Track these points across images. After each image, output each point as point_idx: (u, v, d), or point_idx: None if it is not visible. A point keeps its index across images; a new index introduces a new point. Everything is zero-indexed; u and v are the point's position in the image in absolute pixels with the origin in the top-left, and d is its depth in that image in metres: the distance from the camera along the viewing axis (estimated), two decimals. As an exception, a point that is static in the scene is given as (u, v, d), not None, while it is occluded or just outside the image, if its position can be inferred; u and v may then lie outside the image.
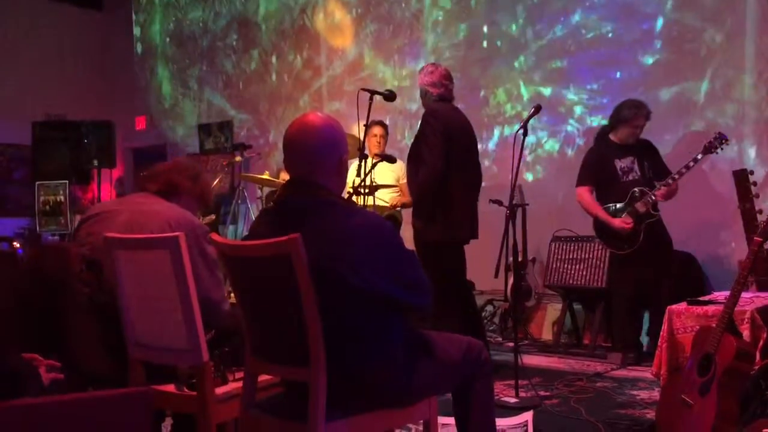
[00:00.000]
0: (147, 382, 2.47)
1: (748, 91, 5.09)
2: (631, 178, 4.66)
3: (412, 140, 4.40)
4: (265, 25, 8.06)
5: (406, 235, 6.09)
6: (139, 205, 2.69)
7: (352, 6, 7.32)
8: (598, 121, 5.75)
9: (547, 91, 6.03)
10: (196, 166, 2.98)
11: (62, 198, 7.27)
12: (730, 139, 5.04)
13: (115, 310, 2.50)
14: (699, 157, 4.37)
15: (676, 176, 4.46)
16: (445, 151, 4.13)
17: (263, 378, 2.35)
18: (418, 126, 4.37)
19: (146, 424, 1.74)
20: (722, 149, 4.38)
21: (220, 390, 2.39)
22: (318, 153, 2.11)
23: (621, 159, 4.68)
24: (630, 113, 4.62)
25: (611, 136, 4.74)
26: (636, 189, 4.56)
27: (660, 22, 5.45)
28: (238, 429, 2.31)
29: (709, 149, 4.35)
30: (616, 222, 4.61)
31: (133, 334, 2.49)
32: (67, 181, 7.43)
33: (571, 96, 5.93)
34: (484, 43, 6.40)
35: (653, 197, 4.49)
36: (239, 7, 8.30)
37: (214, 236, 2.24)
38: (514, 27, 6.22)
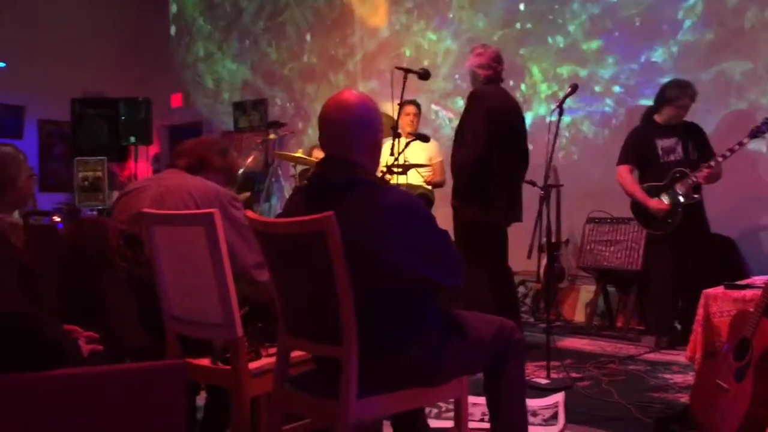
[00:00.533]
0: (183, 355, 2.51)
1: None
2: (672, 158, 4.58)
3: (459, 123, 4.40)
4: (300, 3, 8.04)
5: (438, 214, 6.08)
6: (166, 180, 2.78)
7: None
8: (635, 101, 5.65)
9: (584, 71, 5.94)
10: (223, 141, 3.08)
11: (100, 174, 7.39)
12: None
13: (152, 284, 2.55)
14: (745, 141, 4.27)
15: (720, 159, 4.37)
16: (487, 134, 4.12)
17: (296, 354, 2.38)
18: (464, 109, 4.38)
19: (181, 395, 1.78)
20: None
21: (253, 365, 2.42)
22: (353, 131, 2.12)
23: (663, 139, 4.61)
24: (675, 93, 4.54)
25: (656, 117, 4.66)
26: (677, 170, 4.49)
27: (702, 0, 5.31)
28: (271, 403, 2.35)
29: (755, 133, 4.25)
30: (652, 202, 4.55)
31: (170, 308, 2.54)
32: (105, 158, 7.55)
33: (608, 75, 5.82)
34: (520, 22, 6.31)
35: (694, 179, 4.41)
36: (274, -15, 8.29)
37: (249, 213, 2.26)
38: (551, 5, 6.12)
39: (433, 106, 6.84)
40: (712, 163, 4.39)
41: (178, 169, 2.83)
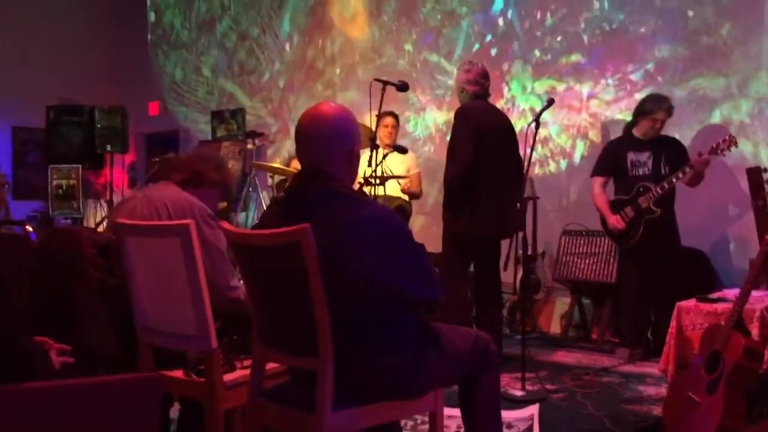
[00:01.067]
0: (156, 367, 2.49)
1: (764, 88, 5.04)
2: (641, 172, 4.64)
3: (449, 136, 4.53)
4: (280, 13, 8.04)
5: (415, 225, 6.10)
6: (151, 191, 2.77)
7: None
8: (611, 115, 5.72)
9: (561, 85, 6.00)
10: (219, 156, 3.08)
11: (75, 182, 7.31)
12: (746, 136, 5.03)
13: (125, 294, 2.53)
14: (706, 156, 4.29)
15: (674, 180, 4.42)
16: (475, 149, 4.25)
17: (271, 366, 2.37)
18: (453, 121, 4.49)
19: (154, 408, 1.76)
20: (729, 151, 4.32)
21: (228, 377, 2.41)
22: (329, 143, 2.12)
23: (636, 152, 4.66)
24: (650, 106, 4.60)
25: (634, 130, 4.72)
26: (641, 184, 4.54)
27: (677, 17, 5.40)
28: (245, 416, 2.33)
29: (715, 150, 4.29)
30: (611, 220, 4.65)
31: (143, 319, 2.51)
32: (79, 166, 7.47)
33: (585, 90, 5.89)
34: (498, 36, 6.37)
35: (656, 193, 4.47)
36: (254, -5, 8.29)
37: (224, 224, 2.25)
38: (528, 21, 6.18)
39: (412, 118, 6.86)
40: (673, 180, 4.42)
41: (171, 183, 2.81)
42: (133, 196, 2.81)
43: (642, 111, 4.64)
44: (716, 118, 5.22)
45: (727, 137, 4.31)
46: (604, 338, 5.07)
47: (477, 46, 6.47)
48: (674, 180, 4.43)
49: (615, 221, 4.62)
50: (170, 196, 2.70)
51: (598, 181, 4.80)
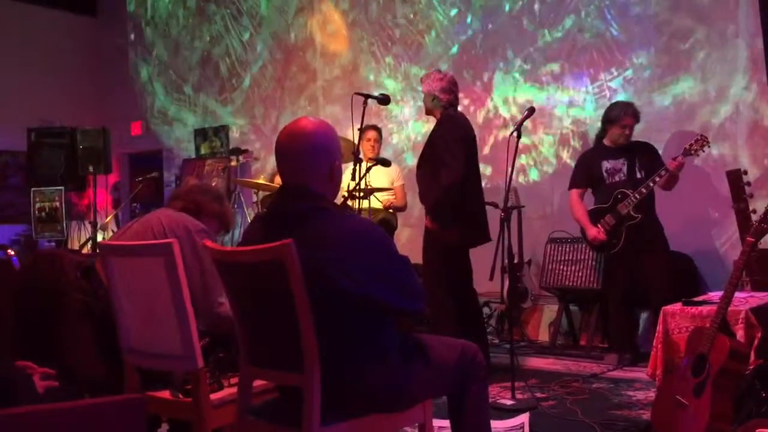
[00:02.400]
0: (143, 388, 2.47)
1: (741, 91, 5.10)
2: (617, 179, 4.65)
3: (426, 146, 4.44)
4: (260, 30, 8.06)
5: (401, 238, 6.10)
6: (150, 215, 2.82)
7: (347, 11, 7.33)
8: (592, 123, 5.76)
9: (542, 94, 6.04)
10: (218, 189, 3.19)
11: (58, 204, 7.27)
12: (726, 139, 5.08)
13: (110, 316, 2.51)
14: (681, 158, 4.33)
15: (651, 184, 4.44)
16: (465, 157, 4.24)
17: (258, 383, 2.36)
18: (432, 132, 4.43)
19: (140, 430, 1.74)
20: (703, 151, 4.38)
21: (215, 396, 2.39)
22: (309, 159, 2.11)
23: (610, 160, 4.68)
24: (616, 113, 4.63)
25: (604, 140, 4.75)
26: (619, 191, 4.56)
27: (654, 23, 5.46)
28: (233, 434, 2.31)
29: (689, 151, 4.34)
30: (591, 232, 4.66)
31: (128, 340, 2.50)
32: (62, 188, 7.43)
33: (565, 99, 5.94)
34: (479, 47, 6.41)
35: (635, 199, 4.48)
36: (234, 13, 8.30)
37: (207, 242, 2.24)
38: (509, 31, 6.23)
39: (395, 131, 6.88)
40: (650, 184, 4.44)
41: (170, 209, 2.88)
42: (130, 223, 2.88)
43: (609, 119, 4.66)
44: (695, 122, 5.28)
45: (698, 137, 4.36)
46: (593, 344, 5.09)
47: (458, 57, 6.51)
48: (651, 184, 4.45)
49: (595, 233, 4.63)
50: (165, 214, 2.76)
51: (576, 193, 4.83)
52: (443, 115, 4.40)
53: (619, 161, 4.66)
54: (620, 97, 5.42)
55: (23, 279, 2.96)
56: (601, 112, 5.51)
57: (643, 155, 4.68)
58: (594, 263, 5.12)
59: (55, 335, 2.64)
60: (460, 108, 4.63)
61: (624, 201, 4.53)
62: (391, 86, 6.86)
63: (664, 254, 4.63)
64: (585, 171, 4.80)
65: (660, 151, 4.88)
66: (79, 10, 9.45)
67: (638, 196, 4.48)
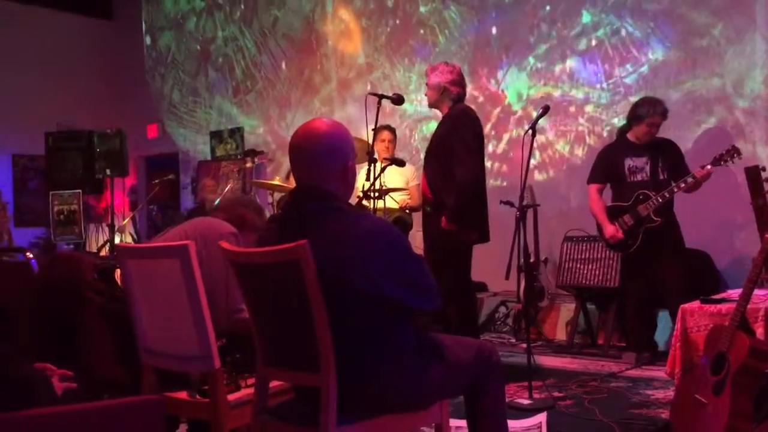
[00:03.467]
0: (160, 389, 2.48)
1: (759, 87, 5.05)
2: (639, 178, 4.54)
3: (436, 140, 4.28)
4: (275, 31, 8.09)
5: (417, 238, 6.10)
6: (191, 221, 2.90)
7: (360, 11, 7.33)
8: (608, 119, 5.73)
9: (556, 91, 6.02)
10: (257, 201, 3.26)
11: (76, 207, 7.33)
12: (743, 135, 5.01)
13: (127, 317, 2.53)
14: (709, 167, 4.23)
15: (675, 189, 4.35)
16: (479, 154, 4.17)
17: (275, 384, 2.36)
18: (442, 126, 4.27)
19: (158, 430, 1.76)
20: (733, 162, 4.24)
21: (232, 396, 2.40)
22: (323, 159, 2.11)
23: (633, 158, 4.56)
24: (644, 110, 4.48)
25: (629, 135, 4.63)
26: (641, 192, 4.46)
27: (670, 19, 5.42)
28: (250, 435, 2.32)
29: (718, 161, 4.22)
30: (609, 230, 4.56)
31: (145, 341, 2.51)
32: (80, 191, 7.49)
33: (580, 95, 5.91)
34: (493, 45, 6.39)
35: (656, 202, 4.39)
36: (248, 14, 8.34)
37: (223, 244, 2.25)
38: (522, 28, 6.20)
39: (409, 130, 6.88)
40: (674, 189, 4.35)
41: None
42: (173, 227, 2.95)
43: (637, 116, 4.52)
44: (712, 119, 5.23)
45: (730, 147, 4.23)
46: (611, 343, 5.05)
47: (471, 56, 6.50)
48: (675, 189, 4.35)
49: (613, 231, 4.54)
50: (199, 220, 2.83)
51: (595, 188, 4.72)
52: (455, 109, 4.24)
53: (642, 159, 4.53)
54: (636, 94, 5.37)
55: (41, 281, 2.99)
56: (617, 108, 5.49)
57: (668, 155, 4.55)
58: (611, 262, 5.08)
59: (73, 337, 2.66)
60: (474, 106, 4.55)
61: (645, 203, 4.42)
62: (404, 85, 6.85)
63: (681, 256, 4.54)
64: (606, 166, 4.68)
65: (683, 149, 4.78)
66: (94, 13, 9.53)
67: (660, 200, 4.38)
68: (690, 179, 4.30)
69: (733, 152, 4.21)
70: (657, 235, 4.46)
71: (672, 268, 4.47)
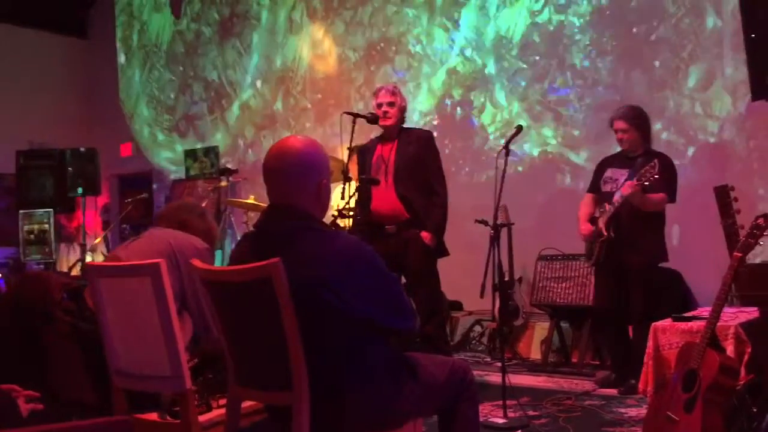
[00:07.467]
0: (131, 410, 2.44)
1: (727, 107, 5.14)
2: (608, 188, 4.43)
3: (406, 159, 4.39)
4: (250, 50, 8.09)
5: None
6: (157, 232, 2.88)
7: (336, 32, 7.37)
8: (581, 138, 5.80)
9: (531, 110, 6.08)
10: (200, 205, 3.26)
11: (47, 226, 7.23)
12: (712, 154, 5.08)
13: (98, 337, 2.49)
14: (631, 183, 4.10)
15: (609, 207, 4.25)
16: None
17: (247, 404, 2.34)
18: (410, 145, 4.42)
19: (126, 453, 1.72)
20: (654, 179, 4.02)
21: (203, 417, 2.37)
22: (297, 177, 2.11)
23: (615, 169, 4.47)
24: (610, 120, 4.48)
25: None
26: (604, 204, 4.36)
27: (641, 41, 5.52)
28: (222, 456, 2.29)
29: (640, 179, 4.04)
30: (583, 227, 4.51)
31: (116, 361, 2.47)
32: (51, 210, 7.39)
33: (553, 115, 5.97)
34: (468, 66, 6.45)
35: (606, 216, 4.27)
36: (223, 33, 8.34)
37: (195, 261, 2.23)
38: (498, 49, 6.27)
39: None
40: (607, 207, 4.27)
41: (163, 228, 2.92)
42: (131, 241, 2.90)
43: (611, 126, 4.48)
44: (680, 138, 5.31)
45: (654, 162, 4.04)
46: (584, 361, 5.07)
47: (445, 77, 6.55)
48: (615, 205, 4.21)
49: (585, 227, 4.46)
50: (171, 234, 2.81)
51: (588, 196, 4.64)
52: (421, 130, 4.69)
53: (624, 171, 4.37)
54: (604, 110, 5.38)
55: (7, 300, 2.94)
56: (587, 126, 5.53)
57: (649, 169, 4.16)
58: (585, 280, 5.11)
59: (41, 357, 2.61)
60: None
61: (602, 216, 4.35)
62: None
63: (644, 271, 4.36)
64: (595, 176, 4.64)
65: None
66: (69, 32, 9.46)
67: (608, 215, 4.27)
68: (617, 196, 4.20)
69: (653, 167, 4.01)
70: (615, 251, 4.33)
71: (629, 285, 4.35)
